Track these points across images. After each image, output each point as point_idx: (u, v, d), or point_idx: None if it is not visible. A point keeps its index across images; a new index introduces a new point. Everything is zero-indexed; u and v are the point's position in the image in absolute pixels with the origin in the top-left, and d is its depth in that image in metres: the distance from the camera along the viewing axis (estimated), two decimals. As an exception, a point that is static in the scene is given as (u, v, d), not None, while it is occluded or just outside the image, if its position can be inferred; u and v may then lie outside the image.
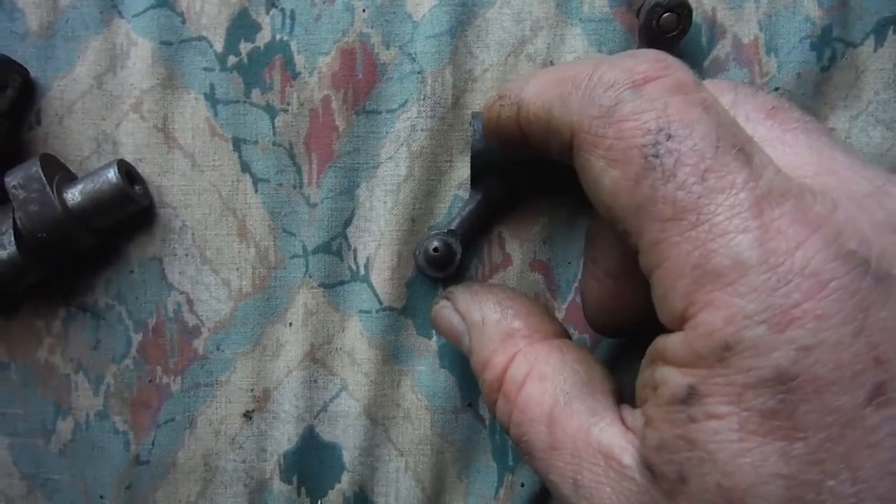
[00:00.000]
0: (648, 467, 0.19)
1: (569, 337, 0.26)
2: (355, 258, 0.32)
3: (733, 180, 0.17)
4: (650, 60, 0.19)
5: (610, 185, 0.19)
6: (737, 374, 0.17)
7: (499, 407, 0.24)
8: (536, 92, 0.22)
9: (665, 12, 0.28)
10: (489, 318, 0.25)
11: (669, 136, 0.18)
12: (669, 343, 0.18)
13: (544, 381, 0.23)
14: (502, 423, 0.24)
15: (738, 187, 0.17)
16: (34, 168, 0.30)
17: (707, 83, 0.22)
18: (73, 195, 0.30)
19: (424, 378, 0.32)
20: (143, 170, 0.32)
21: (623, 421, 0.21)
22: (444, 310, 0.28)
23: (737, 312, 0.17)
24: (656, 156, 0.18)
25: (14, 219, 0.30)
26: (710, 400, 0.17)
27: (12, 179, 0.30)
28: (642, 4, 0.29)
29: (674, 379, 0.18)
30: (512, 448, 0.32)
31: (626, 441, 0.20)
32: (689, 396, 0.17)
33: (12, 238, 0.30)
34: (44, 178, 0.30)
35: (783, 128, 0.20)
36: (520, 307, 0.25)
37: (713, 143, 0.18)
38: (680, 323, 0.18)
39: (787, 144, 0.20)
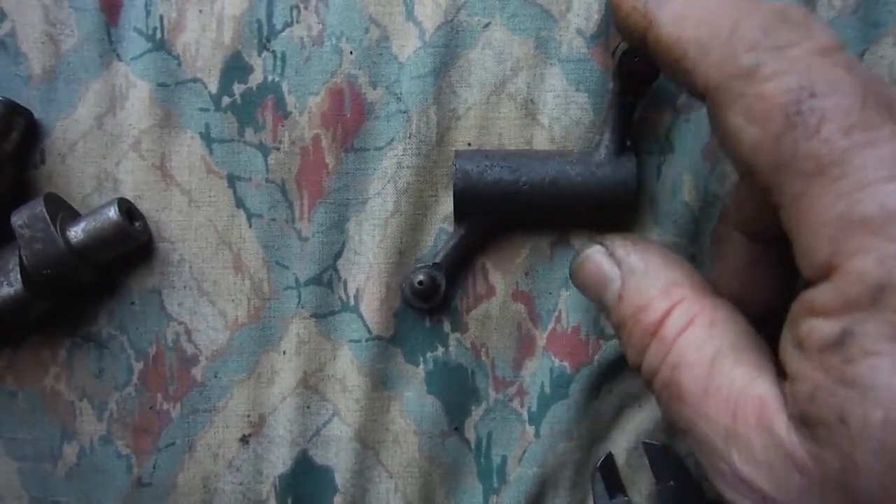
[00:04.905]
0: (803, 421, 0.19)
1: None
2: (345, 289, 0.34)
3: (879, 134, 0.18)
4: (792, 23, 0.20)
5: (749, 142, 0.20)
6: (894, 312, 0.17)
7: (651, 351, 0.24)
8: (673, 21, 0.22)
9: (637, 56, 0.29)
10: (652, 264, 0.25)
11: (813, 95, 0.18)
12: (818, 294, 0.19)
13: (713, 328, 0.23)
14: (649, 369, 0.24)
15: (884, 139, 0.18)
16: (39, 208, 0.31)
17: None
18: (76, 233, 0.32)
19: (412, 403, 0.34)
20: (143, 206, 0.34)
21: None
22: (597, 255, 0.26)
23: (888, 255, 0.17)
24: (799, 113, 0.18)
25: (20, 256, 0.31)
26: (867, 339, 0.18)
27: (18, 219, 0.31)
28: (617, 47, 0.30)
29: (824, 327, 0.19)
30: (496, 469, 0.34)
31: (781, 404, 0.20)
32: (844, 339, 0.18)
33: (19, 275, 0.31)
34: (48, 218, 0.31)
35: None
36: (682, 261, 0.25)
37: (858, 99, 0.18)
38: (826, 273, 0.19)
39: None
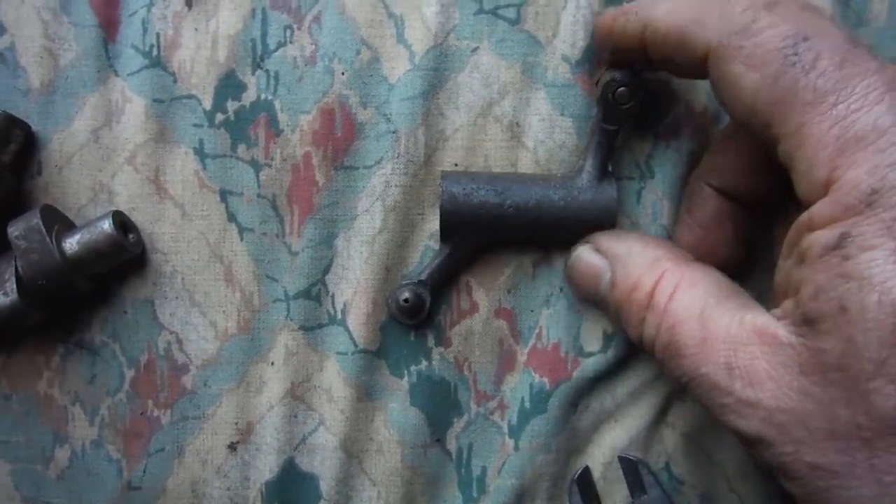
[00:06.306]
0: (806, 321, 0.22)
1: None
2: (333, 303, 0.35)
3: (867, 67, 0.21)
4: None
5: (750, 85, 0.22)
6: (886, 210, 0.20)
7: (647, 322, 0.26)
8: (667, 13, 0.25)
9: (619, 87, 0.30)
10: (634, 248, 0.28)
11: (806, 38, 0.22)
12: (815, 210, 0.22)
13: (694, 287, 0.26)
14: (649, 338, 0.26)
15: (872, 71, 0.21)
16: (35, 220, 0.32)
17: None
18: (72, 245, 0.33)
19: (396, 415, 0.35)
20: (137, 218, 0.35)
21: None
22: (585, 253, 0.30)
23: (879, 164, 0.20)
24: (796, 54, 0.22)
25: (16, 267, 0.32)
26: (863, 237, 0.20)
27: (15, 230, 0.32)
28: (600, 77, 0.31)
29: (823, 235, 0.21)
30: (476, 480, 0.35)
31: (778, 320, 0.23)
32: (842, 241, 0.21)
33: (14, 285, 0.32)
34: (44, 230, 0.32)
35: None
36: (660, 240, 0.29)
37: (848, 40, 0.22)
38: (824, 189, 0.21)
39: None
